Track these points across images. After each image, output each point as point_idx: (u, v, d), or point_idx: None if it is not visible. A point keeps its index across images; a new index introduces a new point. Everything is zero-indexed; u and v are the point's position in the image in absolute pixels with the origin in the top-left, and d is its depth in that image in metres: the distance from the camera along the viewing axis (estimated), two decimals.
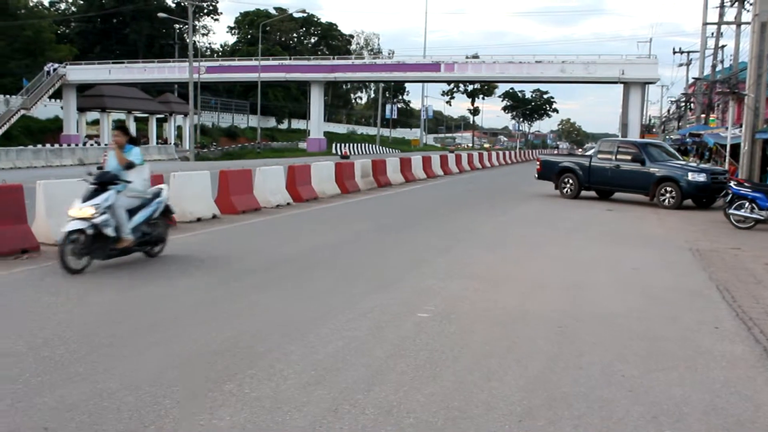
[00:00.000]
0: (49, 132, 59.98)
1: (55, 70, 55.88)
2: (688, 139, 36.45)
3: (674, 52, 55.46)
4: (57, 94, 61.92)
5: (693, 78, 49.28)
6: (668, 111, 75.71)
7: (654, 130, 70.81)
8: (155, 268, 8.95)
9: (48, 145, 43.13)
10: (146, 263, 9.37)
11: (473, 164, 41.11)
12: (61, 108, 64.26)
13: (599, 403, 4.71)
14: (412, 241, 11.94)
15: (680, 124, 56.92)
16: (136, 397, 4.56)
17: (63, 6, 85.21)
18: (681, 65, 56.91)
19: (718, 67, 43.15)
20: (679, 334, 6.53)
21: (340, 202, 18.94)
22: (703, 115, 43.25)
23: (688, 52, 55.34)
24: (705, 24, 42.84)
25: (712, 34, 43.49)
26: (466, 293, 7.98)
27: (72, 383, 4.78)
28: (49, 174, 22.70)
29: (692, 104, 52.03)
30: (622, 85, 53.90)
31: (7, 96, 56.55)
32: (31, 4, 69.97)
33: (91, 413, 4.29)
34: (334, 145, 64.28)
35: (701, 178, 18.97)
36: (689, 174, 19.08)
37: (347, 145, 65.74)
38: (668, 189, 19.17)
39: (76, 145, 49.88)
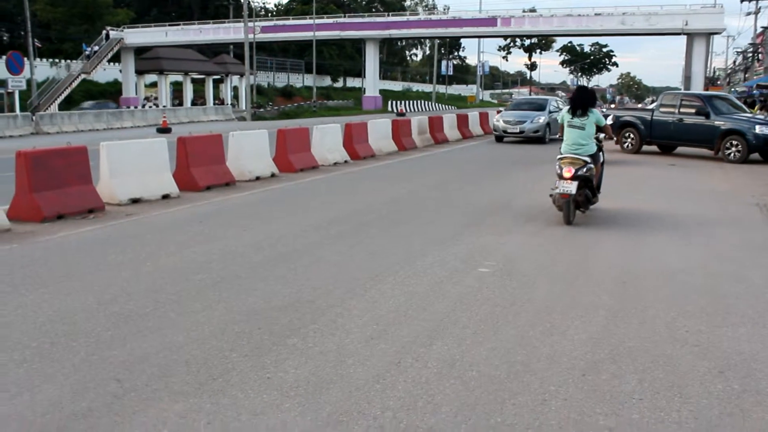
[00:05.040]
0: (108, 95, 60.96)
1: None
2: (755, 92, 35.28)
3: (741, 1, 53.36)
4: (116, 58, 62.83)
5: (762, 27, 47.50)
6: (734, 62, 73.37)
7: (719, 82, 68.77)
8: (216, 227, 9.09)
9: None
10: (207, 222, 9.53)
11: None
12: (120, 71, 65.23)
13: (664, 358, 4.65)
14: (469, 197, 11.89)
15: (747, 75, 55.14)
16: (203, 350, 4.67)
17: None
18: (749, 14, 54.85)
19: None
20: (746, 290, 6.39)
21: (397, 159, 18.91)
22: None
23: (757, 0, 53.19)
24: None
25: None
26: (526, 249, 7.92)
27: (141, 337, 4.92)
28: (111, 136, 23.18)
29: (760, 54, 50.20)
30: (685, 37, 52.17)
31: (68, 61, 57.57)
32: None
33: (161, 366, 4.41)
34: (389, 102, 64.01)
35: None
36: (757, 127, 18.49)
37: (403, 102, 65.41)
38: (734, 142, 18.62)
39: (135, 107, 50.71)
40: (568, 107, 9.86)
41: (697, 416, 3.82)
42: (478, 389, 4.11)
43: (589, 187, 9.59)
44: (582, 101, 9.65)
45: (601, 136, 10.04)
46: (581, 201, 9.52)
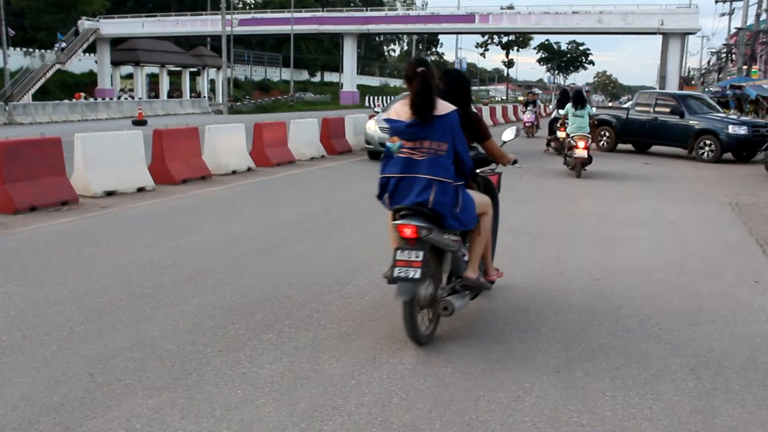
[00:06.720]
0: (83, 86, 60.29)
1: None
2: (728, 92, 35.61)
3: (716, 2, 53.74)
4: (91, 48, 62.12)
5: (735, 28, 47.98)
6: (708, 62, 73.98)
7: (693, 82, 69.29)
8: (192, 221, 9.04)
9: (83, 99, 43.39)
10: (183, 216, 9.47)
11: (507, 117, 40.68)
12: (96, 62, 64.53)
13: (637, 356, 4.69)
14: None
15: (720, 75, 55.57)
16: (177, 345, 4.64)
17: None
18: (723, 15, 55.06)
19: (763, 17, 41.89)
20: (718, 288, 6.47)
21: None
22: (745, 67, 42.16)
23: (731, 1, 53.68)
24: None
25: None
26: (502, 247, 7.93)
27: (115, 331, 4.88)
28: (85, 128, 22.91)
29: (734, 55, 50.69)
30: (660, 37, 52.72)
31: (43, 50, 56.83)
32: None
33: (135, 360, 4.38)
34: (366, 98, 63.98)
35: (742, 130, 18.60)
36: (730, 126, 18.72)
37: (380, 98, 65.40)
38: (707, 142, 18.83)
39: (111, 98, 50.20)
40: (570, 103, 15.21)
41: (668, 413, 3.86)
42: (452, 386, 4.13)
43: (589, 153, 14.57)
44: (581, 99, 15.11)
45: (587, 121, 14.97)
46: (587, 161, 14.55)
